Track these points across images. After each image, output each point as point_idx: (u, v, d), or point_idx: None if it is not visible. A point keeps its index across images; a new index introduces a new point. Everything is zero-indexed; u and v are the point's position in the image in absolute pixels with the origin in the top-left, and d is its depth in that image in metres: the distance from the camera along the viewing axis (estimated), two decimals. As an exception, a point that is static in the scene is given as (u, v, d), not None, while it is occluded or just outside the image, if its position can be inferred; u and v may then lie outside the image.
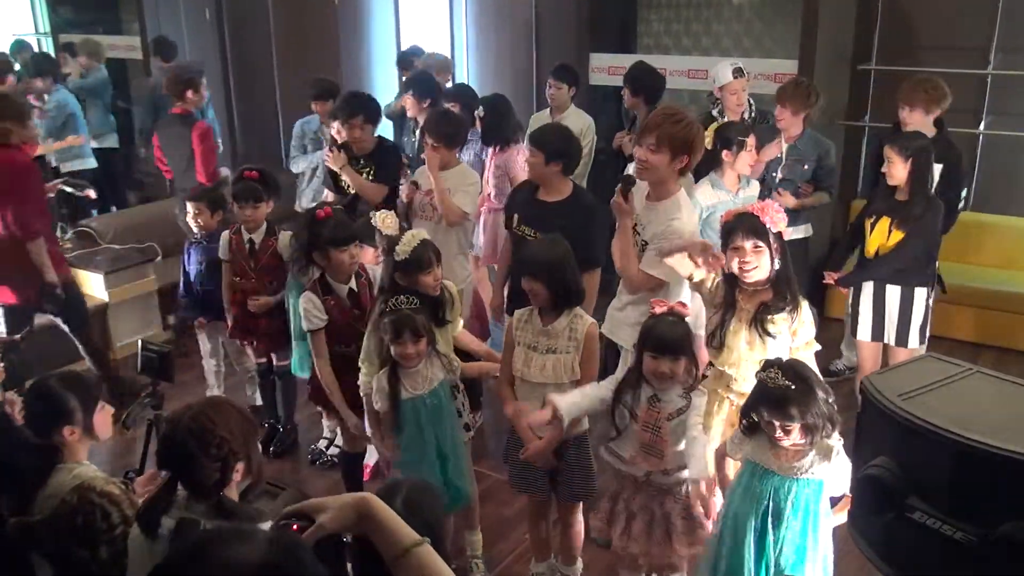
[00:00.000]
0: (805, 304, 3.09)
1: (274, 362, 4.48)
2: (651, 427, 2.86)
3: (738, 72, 4.84)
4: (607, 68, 6.40)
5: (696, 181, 4.25)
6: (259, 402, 4.74)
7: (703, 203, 4.11)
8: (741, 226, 3.03)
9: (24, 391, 2.70)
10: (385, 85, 7.33)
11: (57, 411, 2.51)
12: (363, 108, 4.65)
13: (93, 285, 5.65)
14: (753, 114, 4.91)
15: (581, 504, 3.32)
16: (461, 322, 3.53)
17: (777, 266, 3.02)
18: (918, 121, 4.51)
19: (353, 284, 3.61)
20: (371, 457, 4.32)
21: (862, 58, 5.88)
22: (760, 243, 2.98)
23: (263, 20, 7.89)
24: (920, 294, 4.15)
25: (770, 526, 2.56)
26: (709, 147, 4.13)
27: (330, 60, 7.36)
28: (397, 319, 3.05)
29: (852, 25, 5.90)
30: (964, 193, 4.65)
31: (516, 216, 3.99)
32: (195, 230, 4.55)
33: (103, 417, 2.61)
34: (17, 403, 2.68)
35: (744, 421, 2.62)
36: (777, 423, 2.47)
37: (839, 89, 5.83)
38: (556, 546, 3.48)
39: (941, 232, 4.33)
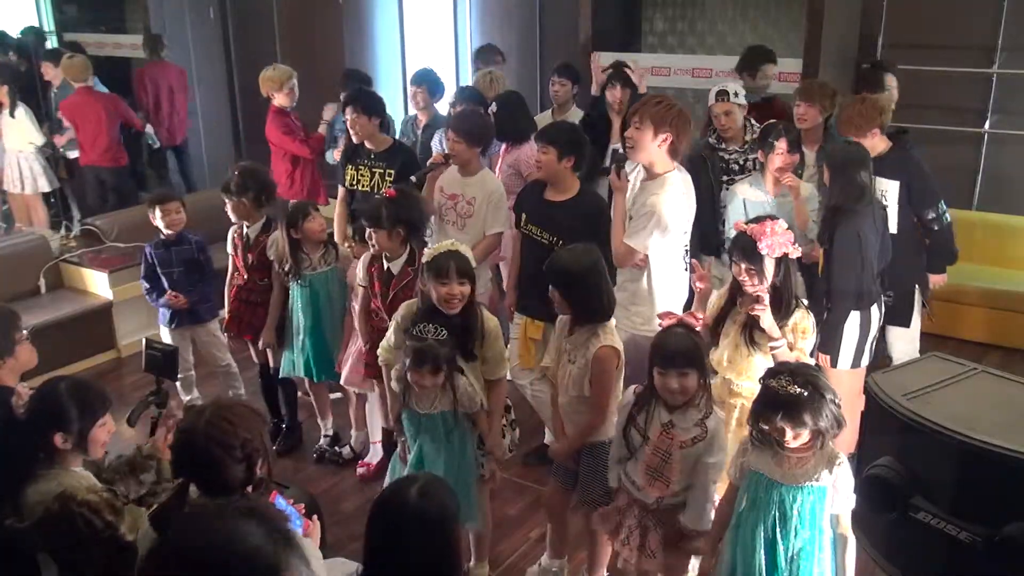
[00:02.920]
0: (800, 315, 3.12)
1: (270, 362, 4.46)
2: (661, 452, 2.77)
3: (721, 95, 4.55)
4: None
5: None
6: (243, 395, 4.71)
7: (739, 196, 4.20)
8: (736, 247, 3.12)
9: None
10: (389, 84, 7.33)
11: (54, 416, 2.48)
12: (356, 99, 4.66)
13: (98, 283, 5.67)
14: (755, 135, 4.57)
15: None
16: (504, 368, 3.29)
17: (776, 283, 3.07)
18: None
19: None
20: (373, 457, 4.33)
21: (867, 57, 5.86)
22: (752, 267, 3.05)
23: (267, 19, 7.90)
24: (853, 318, 3.78)
25: (779, 536, 2.53)
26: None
27: (334, 59, 7.36)
28: (420, 349, 2.94)
29: (857, 24, 5.88)
30: (942, 211, 4.14)
31: (524, 215, 3.99)
32: (164, 229, 4.42)
33: (101, 434, 2.57)
34: (24, 396, 2.67)
35: (754, 431, 2.58)
36: (789, 429, 2.44)
37: (843, 88, 5.81)
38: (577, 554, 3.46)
39: (933, 270, 4.18)
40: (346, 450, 4.47)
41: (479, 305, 3.24)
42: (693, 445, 2.74)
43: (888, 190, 4.06)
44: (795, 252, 3.08)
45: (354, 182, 4.70)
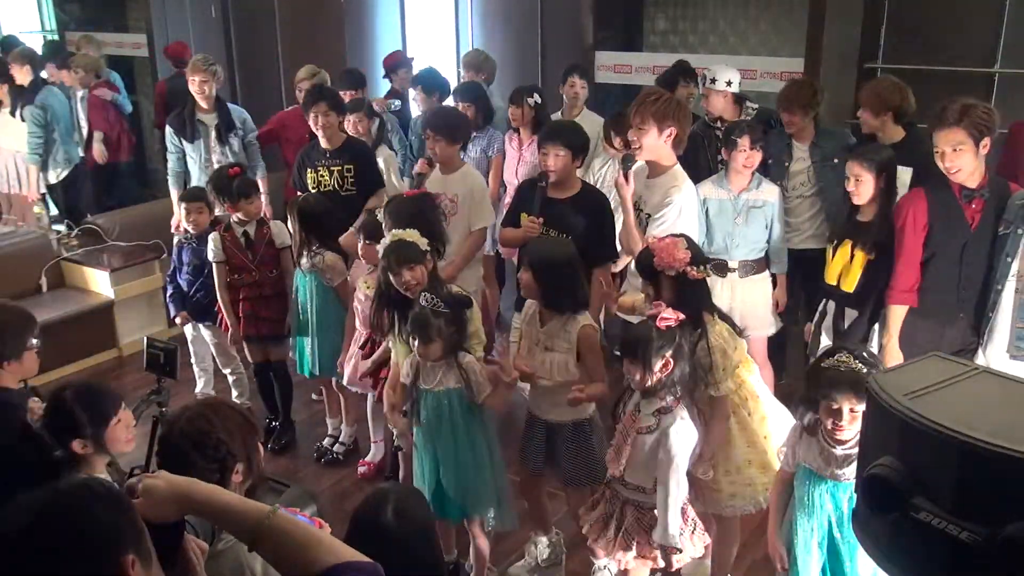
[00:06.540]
0: (717, 340, 2.88)
1: (271, 359, 4.48)
2: (624, 432, 2.83)
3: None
4: (613, 66, 6.40)
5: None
6: (248, 404, 4.66)
7: (701, 195, 4.09)
8: (637, 260, 3.03)
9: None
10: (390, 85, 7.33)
11: (66, 425, 2.49)
12: (322, 96, 4.66)
13: (99, 282, 5.67)
14: (749, 114, 4.73)
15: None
16: (478, 349, 3.24)
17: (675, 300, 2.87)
18: (874, 125, 4.21)
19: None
20: (375, 455, 4.33)
21: (869, 57, 5.86)
22: (648, 284, 2.96)
23: (269, 18, 7.90)
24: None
25: (838, 536, 2.50)
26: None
27: (336, 58, 7.35)
28: (413, 316, 3.04)
29: (859, 23, 5.87)
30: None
31: (523, 215, 3.98)
32: (189, 230, 4.51)
33: (118, 431, 2.57)
34: (38, 409, 2.68)
35: (803, 419, 2.56)
36: (847, 408, 2.41)
37: (846, 88, 5.81)
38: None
39: None
40: (337, 446, 4.47)
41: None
42: (648, 433, 2.75)
43: (901, 177, 3.99)
44: (696, 274, 2.86)
45: (316, 184, 4.68)
